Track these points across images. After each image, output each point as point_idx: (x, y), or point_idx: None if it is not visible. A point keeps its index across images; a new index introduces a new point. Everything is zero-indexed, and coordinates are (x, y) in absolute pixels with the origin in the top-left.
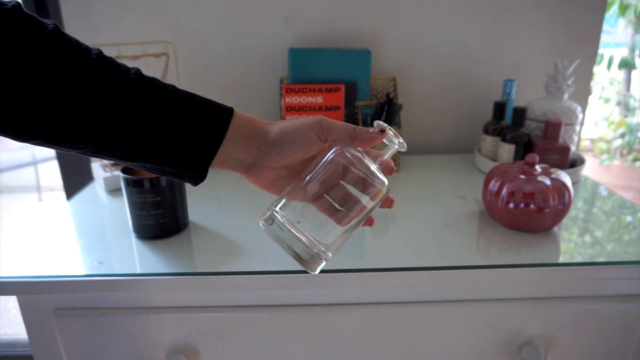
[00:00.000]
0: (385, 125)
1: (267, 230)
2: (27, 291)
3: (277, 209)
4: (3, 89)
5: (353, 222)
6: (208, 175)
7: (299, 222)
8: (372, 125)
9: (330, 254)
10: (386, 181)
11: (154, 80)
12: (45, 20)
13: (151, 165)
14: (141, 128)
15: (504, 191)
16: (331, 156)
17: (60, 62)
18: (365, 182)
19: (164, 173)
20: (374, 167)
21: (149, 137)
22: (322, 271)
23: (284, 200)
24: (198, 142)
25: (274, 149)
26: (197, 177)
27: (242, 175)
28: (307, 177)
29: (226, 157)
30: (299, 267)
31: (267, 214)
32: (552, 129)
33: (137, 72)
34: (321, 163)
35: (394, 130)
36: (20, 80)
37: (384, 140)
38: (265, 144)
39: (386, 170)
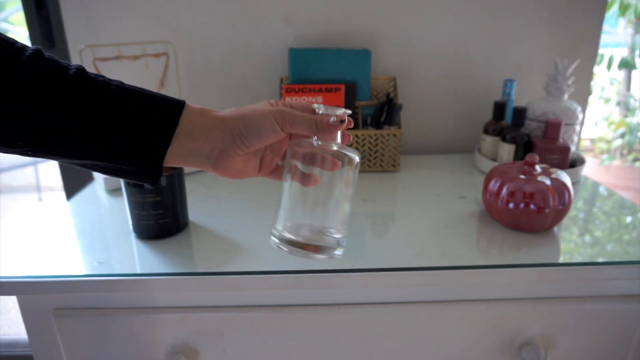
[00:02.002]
0: (338, 111)
1: (286, 248)
2: (27, 291)
3: (279, 226)
4: None
5: (347, 195)
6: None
7: (302, 225)
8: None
9: (344, 233)
10: (352, 154)
11: (97, 76)
12: None
13: (101, 164)
14: (84, 124)
15: (504, 191)
16: (293, 162)
17: None
18: (335, 163)
19: (118, 173)
20: (336, 147)
21: (93, 132)
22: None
23: (280, 216)
24: (148, 136)
25: (240, 139)
26: (153, 175)
27: (209, 171)
28: (286, 186)
29: (187, 153)
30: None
31: (276, 236)
32: (552, 129)
33: (79, 68)
34: (288, 170)
35: (343, 109)
36: None
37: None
38: (230, 135)
39: (344, 139)
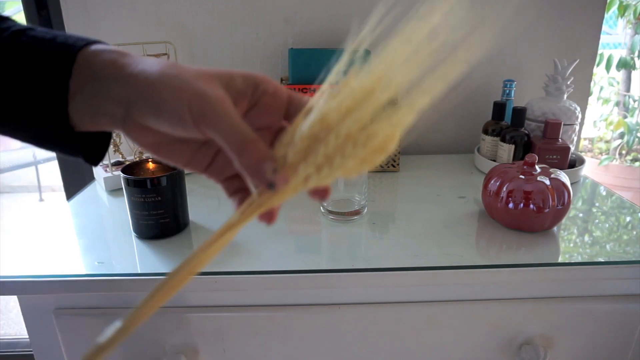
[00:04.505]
0: None
1: (332, 216)
2: (28, 291)
3: (324, 203)
4: None
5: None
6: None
7: (336, 199)
8: None
9: (364, 197)
10: None
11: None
12: None
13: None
14: None
15: (504, 191)
16: None
17: None
18: None
19: (41, 141)
20: None
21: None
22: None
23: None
24: (43, 93)
25: (135, 107)
26: (72, 141)
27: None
28: None
29: (93, 110)
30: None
31: (324, 208)
32: (552, 129)
33: (19, 29)
34: None
35: None
36: None
37: None
38: (129, 98)
39: None
